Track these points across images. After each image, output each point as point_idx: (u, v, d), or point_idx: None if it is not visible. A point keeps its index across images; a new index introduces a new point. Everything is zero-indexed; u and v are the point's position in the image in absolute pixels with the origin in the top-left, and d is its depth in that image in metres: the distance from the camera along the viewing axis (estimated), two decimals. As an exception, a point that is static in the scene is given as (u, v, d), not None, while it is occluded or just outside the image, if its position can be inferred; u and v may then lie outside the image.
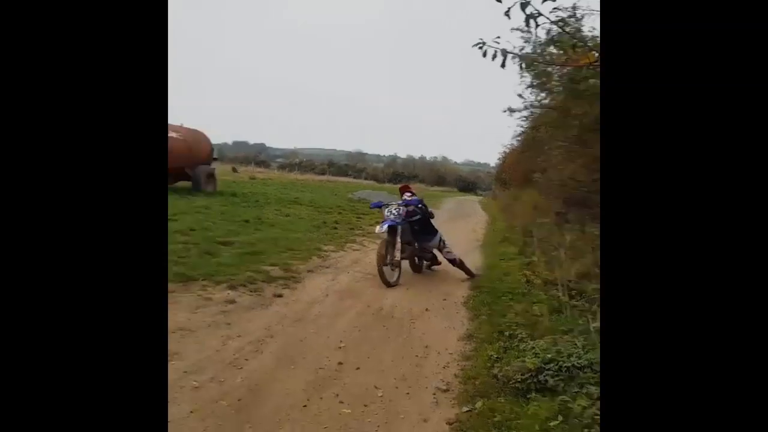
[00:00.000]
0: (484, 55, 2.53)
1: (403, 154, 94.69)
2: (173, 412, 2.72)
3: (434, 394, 3.27)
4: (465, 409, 3.01)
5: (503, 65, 2.53)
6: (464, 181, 65.59)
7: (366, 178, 53.52)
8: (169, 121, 13.42)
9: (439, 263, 7.00)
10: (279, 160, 68.38)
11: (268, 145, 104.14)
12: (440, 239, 6.81)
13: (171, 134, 12.85)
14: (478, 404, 3.01)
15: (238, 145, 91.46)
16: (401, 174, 61.72)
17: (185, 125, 14.23)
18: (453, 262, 6.77)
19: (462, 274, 6.78)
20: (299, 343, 3.92)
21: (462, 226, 14.21)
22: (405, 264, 6.61)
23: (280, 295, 5.14)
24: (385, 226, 6.14)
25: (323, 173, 51.68)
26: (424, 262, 7.05)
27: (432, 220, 6.93)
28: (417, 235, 6.64)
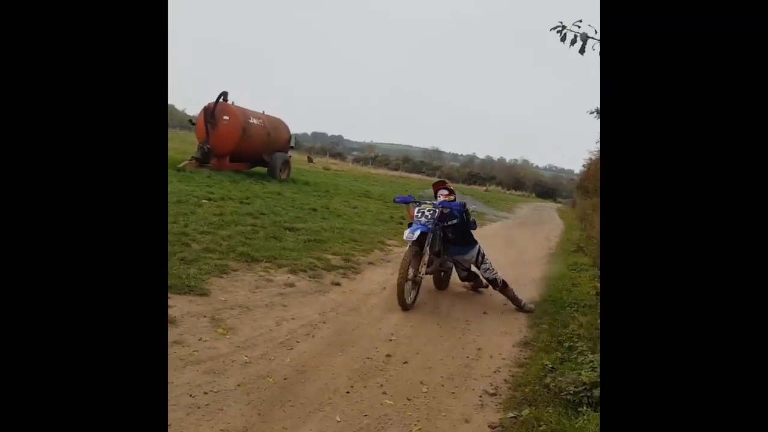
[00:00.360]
0: (563, 39, 2.40)
1: (481, 155, 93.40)
2: (221, 383, 2.82)
3: (480, 396, 3.18)
4: (510, 415, 2.90)
5: (582, 51, 2.39)
6: (544, 187, 63.44)
7: (440, 177, 53.16)
8: (253, 108, 13.97)
9: (485, 285, 5.60)
10: (355, 153, 69.46)
11: (345, 137, 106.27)
12: (479, 253, 5.33)
13: (252, 120, 13.34)
14: (525, 412, 2.89)
15: (316, 135, 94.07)
16: (477, 174, 60.83)
17: (267, 113, 14.71)
18: (493, 283, 5.32)
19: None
20: (351, 332, 3.95)
21: (535, 233, 13.77)
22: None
23: (338, 284, 5.21)
24: (417, 232, 4.80)
25: (397, 169, 51.92)
26: (464, 281, 5.74)
27: (474, 231, 5.49)
28: (449, 245, 5.32)
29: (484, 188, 45.40)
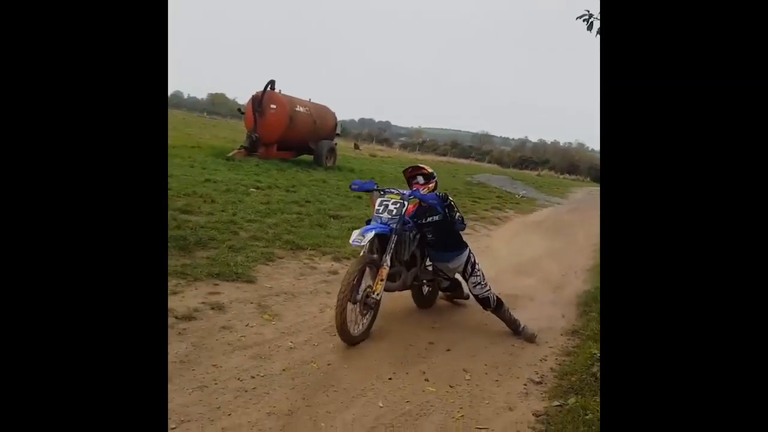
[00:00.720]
0: (589, 28, 2.31)
1: (534, 138, 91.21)
2: (267, 368, 2.90)
3: (525, 384, 3.14)
4: (555, 403, 2.85)
5: None
6: (599, 171, 61.01)
7: (489, 162, 52.10)
8: (300, 96, 14.10)
9: (467, 296, 4.37)
10: (402, 139, 69.25)
11: (393, 123, 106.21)
12: (468, 260, 3.97)
13: (299, 109, 13.49)
14: (571, 400, 2.83)
15: (363, 122, 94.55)
16: (529, 159, 59.34)
17: (313, 100, 14.83)
18: (485, 303, 3.95)
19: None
20: (393, 319, 3.97)
21: (588, 218, 13.32)
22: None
23: (382, 271, 5.21)
24: (371, 234, 3.43)
25: (445, 154, 51.24)
26: (443, 291, 4.41)
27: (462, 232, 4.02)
28: (429, 249, 4.00)
29: (536, 173, 44.18)
